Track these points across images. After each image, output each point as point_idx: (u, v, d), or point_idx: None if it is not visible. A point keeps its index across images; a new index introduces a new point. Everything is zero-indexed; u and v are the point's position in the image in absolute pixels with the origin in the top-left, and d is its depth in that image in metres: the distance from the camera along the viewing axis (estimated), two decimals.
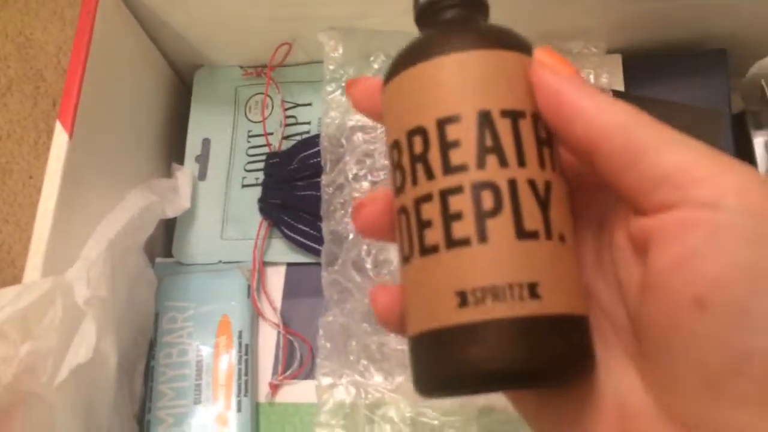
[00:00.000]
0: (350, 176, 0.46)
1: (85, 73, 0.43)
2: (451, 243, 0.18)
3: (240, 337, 0.45)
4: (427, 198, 0.19)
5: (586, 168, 0.19)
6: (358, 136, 0.47)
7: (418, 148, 0.20)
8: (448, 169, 0.19)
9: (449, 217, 0.19)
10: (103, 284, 0.37)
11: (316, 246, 0.47)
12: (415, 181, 0.20)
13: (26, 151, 0.62)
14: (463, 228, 0.18)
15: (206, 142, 0.52)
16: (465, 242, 0.18)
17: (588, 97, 0.18)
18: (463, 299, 0.18)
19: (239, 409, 0.43)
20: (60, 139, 0.41)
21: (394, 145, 0.21)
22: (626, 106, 0.18)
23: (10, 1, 0.68)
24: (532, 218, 0.18)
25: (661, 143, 0.17)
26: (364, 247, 0.45)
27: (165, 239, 0.51)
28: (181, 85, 0.57)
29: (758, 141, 0.46)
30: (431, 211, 0.19)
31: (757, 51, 0.47)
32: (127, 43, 0.49)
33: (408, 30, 0.50)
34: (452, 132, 0.19)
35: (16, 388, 0.33)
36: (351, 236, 0.45)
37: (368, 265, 0.44)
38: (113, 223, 0.41)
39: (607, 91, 0.47)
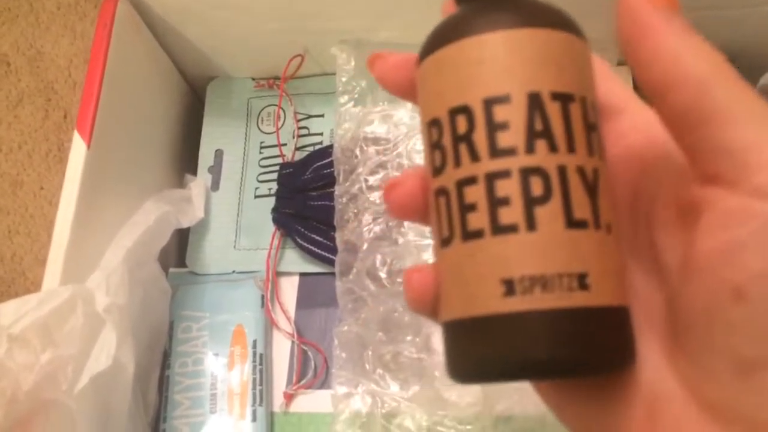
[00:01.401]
0: (364, 187, 0.47)
1: (103, 84, 0.43)
2: (498, 229, 0.18)
3: (254, 346, 0.45)
4: (471, 181, 0.18)
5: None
6: (371, 148, 0.48)
7: (461, 127, 0.19)
8: (495, 151, 0.18)
9: (496, 202, 0.18)
10: (121, 293, 0.37)
11: (330, 255, 0.47)
12: (457, 163, 0.19)
13: (37, 162, 0.63)
14: (511, 214, 0.18)
15: (219, 153, 0.53)
16: (512, 229, 0.18)
17: (674, 36, 0.17)
18: (509, 287, 0.18)
19: (254, 419, 0.43)
20: (78, 148, 0.41)
21: (433, 123, 0.20)
22: (712, 54, 0.17)
23: (21, 15, 0.69)
24: (581, 207, 0.18)
25: (738, 111, 0.16)
26: (379, 257, 0.45)
27: (178, 249, 0.51)
28: (194, 97, 0.57)
29: None
30: (475, 194, 0.18)
31: (766, 62, 0.48)
32: (142, 54, 0.49)
33: (417, 42, 0.51)
34: (500, 113, 0.18)
35: (37, 395, 0.34)
36: (365, 246, 0.45)
37: (383, 274, 0.44)
38: (130, 232, 0.41)
39: None
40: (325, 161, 0.49)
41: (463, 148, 0.19)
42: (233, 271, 0.49)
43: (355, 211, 0.47)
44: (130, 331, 0.38)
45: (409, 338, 0.42)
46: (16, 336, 0.33)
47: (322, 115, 0.53)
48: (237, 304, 0.46)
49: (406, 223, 0.45)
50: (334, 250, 0.47)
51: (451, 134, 0.19)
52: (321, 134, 0.52)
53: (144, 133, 0.50)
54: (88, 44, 0.68)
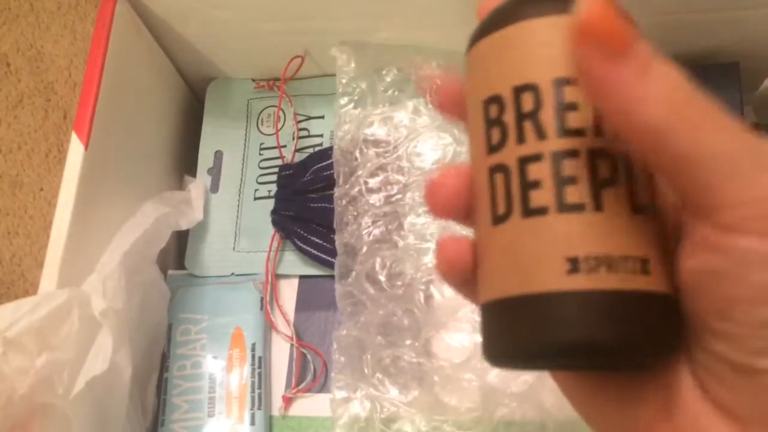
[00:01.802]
0: (363, 189, 0.47)
1: (101, 85, 0.43)
2: (564, 207, 0.18)
3: (253, 349, 0.45)
4: (536, 158, 0.18)
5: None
6: (371, 150, 0.47)
7: (527, 105, 0.19)
8: (563, 131, 0.18)
9: (562, 181, 0.18)
10: (118, 296, 0.37)
11: (329, 258, 0.47)
12: (521, 140, 0.19)
13: (37, 163, 0.63)
14: (578, 193, 0.18)
15: (218, 155, 0.53)
16: (579, 208, 0.18)
17: (627, 86, 0.16)
18: (574, 265, 0.17)
19: (253, 423, 0.42)
20: (76, 149, 0.41)
21: (493, 101, 0.20)
22: (669, 92, 0.16)
23: (22, 14, 0.69)
24: (645, 193, 0.18)
25: (700, 154, 0.16)
26: (378, 260, 0.44)
27: (177, 251, 0.51)
28: (194, 98, 0.57)
29: None
30: (540, 171, 0.18)
31: None
32: (141, 54, 0.49)
33: (417, 44, 0.51)
34: (570, 94, 0.18)
35: (33, 399, 0.33)
36: (365, 249, 0.45)
37: (382, 278, 0.44)
38: (128, 234, 0.41)
39: None
40: (325, 163, 0.49)
41: (527, 126, 0.19)
42: (232, 274, 0.49)
43: (355, 213, 0.46)
44: (127, 335, 0.37)
45: (408, 342, 0.41)
46: (11, 340, 0.33)
47: (322, 117, 0.53)
48: (236, 306, 0.46)
49: (406, 226, 0.45)
50: (333, 253, 0.46)
51: (515, 111, 0.19)
52: (321, 136, 0.52)
53: (143, 134, 0.50)
54: (89, 44, 0.68)
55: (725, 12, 0.47)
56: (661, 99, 0.16)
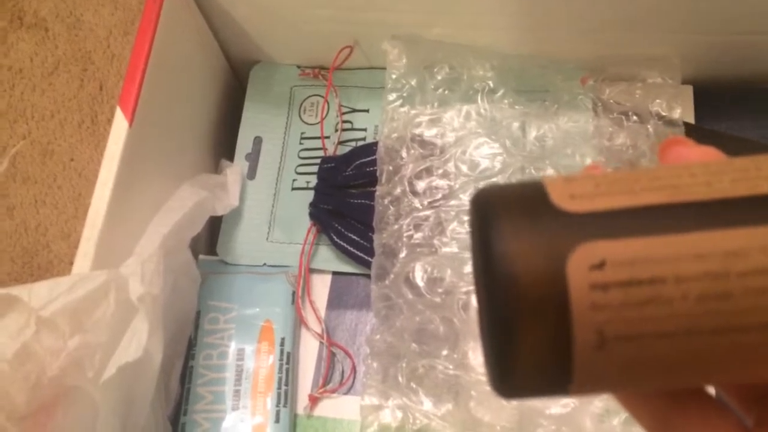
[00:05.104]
0: (407, 190, 0.45)
1: (149, 61, 0.42)
2: None
3: (282, 344, 0.43)
4: None
5: None
6: (418, 151, 0.46)
7: None
8: None
9: None
10: (156, 281, 0.36)
11: (365, 257, 0.46)
12: None
13: (69, 133, 0.61)
14: None
15: (258, 141, 0.51)
16: None
17: None
18: None
19: (277, 420, 0.41)
20: (120, 126, 0.40)
21: None
22: None
23: None
24: None
25: None
26: (418, 264, 0.43)
27: (209, 236, 0.50)
28: (236, 81, 0.56)
29: None
30: None
31: None
32: (189, 32, 0.48)
33: (471, 43, 0.49)
34: None
35: (62, 381, 0.32)
36: (404, 252, 0.44)
37: (421, 283, 0.43)
38: (167, 217, 0.40)
39: (678, 124, 0.45)
40: (369, 158, 0.47)
41: None
42: (264, 264, 0.47)
43: (396, 214, 0.45)
44: (162, 322, 0.36)
45: (445, 353, 0.40)
46: (45, 319, 0.32)
47: (367, 110, 0.51)
48: (267, 298, 0.45)
49: (448, 233, 0.44)
50: (370, 252, 0.45)
51: None
52: (365, 130, 0.51)
53: (184, 114, 0.48)
54: (129, 16, 0.67)
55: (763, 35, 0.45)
56: None
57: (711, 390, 0.19)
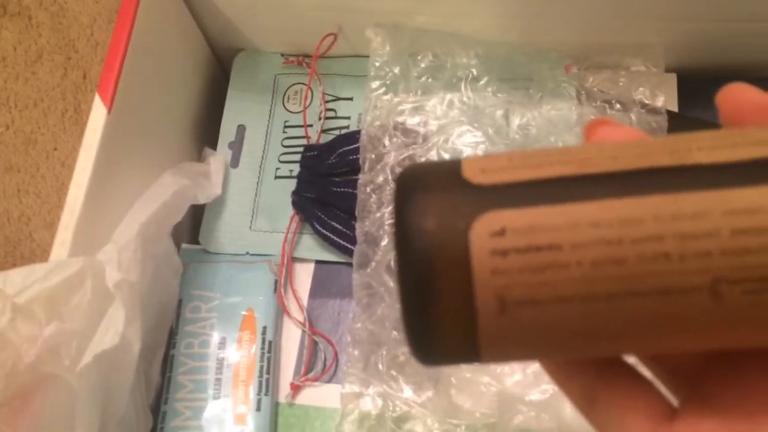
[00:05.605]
0: (390, 178, 0.45)
1: (129, 48, 0.41)
2: None
3: (264, 333, 0.43)
4: None
5: None
6: (401, 139, 0.46)
7: None
8: None
9: None
10: (133, 268, 0.36)
11: (348, 245, 0.45)
12: None
13: (52, 122, 0.61)
14: None
15: (241, 129, 0.51)
16: None
17: None
18: None
19: (258, 408, 0.41)
20: (98, 113, 0.40)
21: None
22: None
23: None
24: None
25: None
26: None
27: (191, 225, 0.50)
28: (219, 69, 0.55)
29: None
30: None
31: None
32: (169, 19, 0.47)
33: (455, 31, 0.49)
34: None
35: (38, 368, 0.32)
36: (386, 240, 0.43)
37: None
38: (146, 205, 0.40)
39: (661, 112, 0.45)
40: (352, 146, 0.47)
41: None
42: (247, 253, 0.47)
43: (379, 202, 0.45)
44: (139, 309, 0.36)
45: None
46: (20, 306, 0.32)
47: (351, 99, 0.51)
48: (249, 287, 0.45)
49: None
50: (353, 240, 0.45)
51: None
52: (348, 118, 0.51)
53: (165, 102, 0.48)
54: (113, 3, 0.66)
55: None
56: None
57: (644, 370, 0.19)
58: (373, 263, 0.43)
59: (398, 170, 0.45)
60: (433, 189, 0.16)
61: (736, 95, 0.18)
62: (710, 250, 0.14)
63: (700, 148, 0.16)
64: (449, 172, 0.16)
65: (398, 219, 0.16)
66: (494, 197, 0.15)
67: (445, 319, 0.16)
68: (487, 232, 0.15)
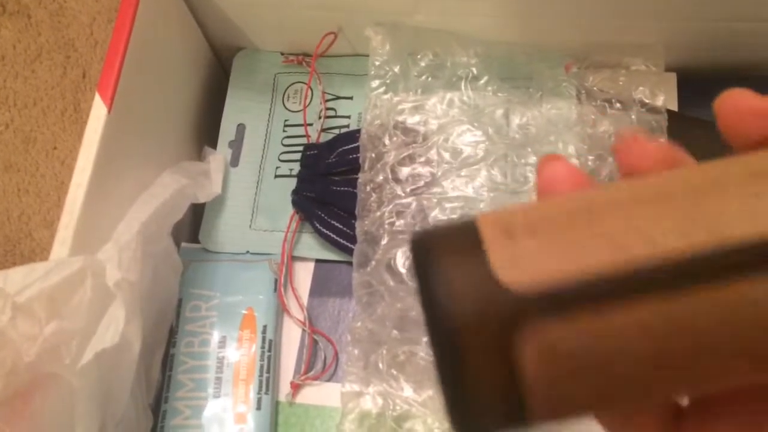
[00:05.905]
0: (390, 177, 0.45)
1: (129, 47, 0.41)
2: None
3: (264, 332, 0.43)
4: None
5: None
6: (401, 138, 0.46)
7: None
8: None
9: None
10: (133, 267, 0.36)
11: (348, 244, 0.45)
12: None
13: (52, 121, 0.61)
14: None
15: (241, 128, 0.51)
16: None
17: None
18: None
19: (258, 407, 0.41)
20: (98, 112, 0.40)
21: None
22: None
23: None
24: None
25: None
26: (400, 251, 0.43)
27: (191, 224, 0.50)
28: (219, 67, 0.55)
29: None
30: None
31: None
32: (170, 17, 0.47)
33: (455, 30, 0.49)
34: None
35: (38, 367, 0.32)
36: (386, 239, 0.44)
37: (402, 269, 0.43)
38: (146, 204, 0.40)
39: (661, 111, 0.45)
40: (352, 146, 0.47)
41: None
42: (247, 252, 0.47)
43: (378, 201, 0.45)
44: (140, 309, 0.36)
45: (426, 339, 0.40)
46: (20, 305, 0.32)
47: (351, 98, 0.51)
48: (249, 286, 0.45)
49: (431, 221, 0.43)
50: (353, 239, 0.45)
51: None
52: (348, 117, 0.51)
53: (165, 101, 0.48)
54: (113, 2, 0.66)
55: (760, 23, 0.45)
56: None
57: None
58: (373, 262, 0.43)
59: (398, 170, 0.45)
60: (462, 278, 0.15)
61: (735, 102, 0.17)
62: None
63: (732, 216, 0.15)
64: (473, 253, 0.15)
65: (428, 305, 0.15)
66: (534, 305, 0.15)
67: (486, 392, 0.15)
68: (536, 351, 0.14)
